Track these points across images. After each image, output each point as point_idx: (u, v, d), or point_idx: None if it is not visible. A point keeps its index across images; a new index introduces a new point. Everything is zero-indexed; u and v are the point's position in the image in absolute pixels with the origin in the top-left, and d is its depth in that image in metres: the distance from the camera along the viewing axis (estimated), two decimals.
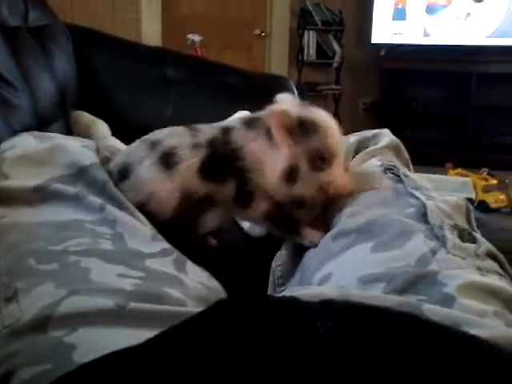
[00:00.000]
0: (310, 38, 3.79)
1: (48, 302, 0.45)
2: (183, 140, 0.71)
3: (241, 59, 3.53)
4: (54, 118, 1.25)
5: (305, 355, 0.32)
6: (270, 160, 0.68)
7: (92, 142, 0.77)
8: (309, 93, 3.72)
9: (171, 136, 0.73)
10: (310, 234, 0.71)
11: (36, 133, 0.75)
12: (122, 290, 0.48)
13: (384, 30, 3.59)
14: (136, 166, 0.70)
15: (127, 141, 1.12)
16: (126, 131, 1.27)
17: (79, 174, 0.66)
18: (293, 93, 1.71)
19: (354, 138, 0.81)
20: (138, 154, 0.72)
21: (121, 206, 0.64)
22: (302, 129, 0.68)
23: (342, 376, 0.30)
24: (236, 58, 3.49)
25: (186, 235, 0.72)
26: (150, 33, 3.42)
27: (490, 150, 3.55)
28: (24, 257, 0.53)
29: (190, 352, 0.33)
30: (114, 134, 1.26)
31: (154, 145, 0.72)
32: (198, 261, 0.64)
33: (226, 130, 0.71)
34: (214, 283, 0.62)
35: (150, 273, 0.53)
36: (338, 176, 0.68)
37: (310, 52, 3.82)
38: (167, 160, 0.69)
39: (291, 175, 0.67)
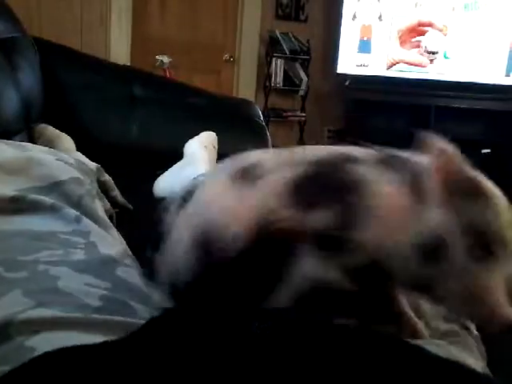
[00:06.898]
0: (278, 66, 3.86)
1: (13, 311, 0.45)
2: (273, 156, 0.55)
3: (209, 83, 3.56)
4: (18, 130, 1.25)
5: (241, 350, 0.34)
6: (406, 217, 0.47)
7: (64, 155, 0.77)
8: (275, 119, 3.79)
9: (258, 154, 0.56)
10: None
11: (6, 141, 0.74)
12: (88, 304, 0.48)
13: (349, 61, 3.69)
14: (203, 184, 0.56)
15: (92, 157, 1.13)
16: (92, 147, 1.27)
17: (54, 187, 0.66)
18: (258, 117, 1.74)
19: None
20: (211, 174, 0.59)
21: (96, 221, 0.64)
22: (465, 192, 0.47)
23: (275, 369, 0.32)
24: (205, 81, 3.52)
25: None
26: (119, 52, 3.42)
27: None
28: None
29: (143, 355, 0.35)
30: (79, 149, 1.26)
31: (229, 162, 0.56)
32: None
33: (346, 158, 0.52)
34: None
35: (117, 284, 0.54)
36: (498, 286, 0.45)
37: (278, 79, 3.89)
38: (246, 172, 0.52)
39: (434, 252, 0.46)
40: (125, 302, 0.51)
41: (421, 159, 0.49)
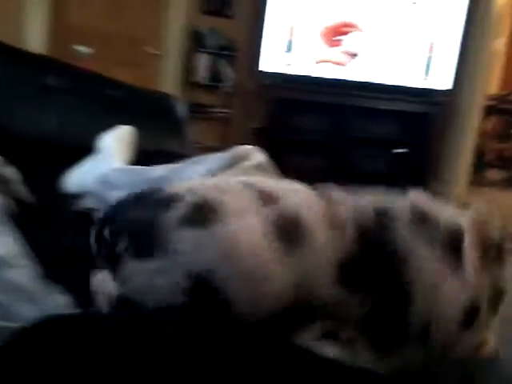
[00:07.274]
0: (203, 61, 3.83)
1: None
2: (317, 209, 0.50)
3: (132, 77, 3.45)
4: None
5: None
6: (450, 287, 0.46)
7: None
8: (198, 114, 3.75)
9: (296, 196, 0.52)
10: None
11: None
12: None
13: (273, 60, 3.73)
14: (228, 214, 0.48)
15: (3, 152, 1.05)
16: (2, 141, 1.19)
17: None
18: (181, 112, 1.70)
19: (226, 154, 0.82)
20: (236, 198, 0.50)
21: None
22: (494, 255, 0.48)
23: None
24: (128, 75, 3.41)
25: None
26: (34, 40, 3.25)
27: (367, 178, 3.80)
28: None
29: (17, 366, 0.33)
30: None
31: (266, 198, 0.50)
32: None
33: (384, 215, 0.50)
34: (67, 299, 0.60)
35: (3, 286, 0.50)
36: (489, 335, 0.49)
37: (202, 74, 3.86)
38: (288, 230, 0.48)
39: (469, 316, 0.47)
40: (8, 305, 0.47)
41: (452, 215, 0.50)
